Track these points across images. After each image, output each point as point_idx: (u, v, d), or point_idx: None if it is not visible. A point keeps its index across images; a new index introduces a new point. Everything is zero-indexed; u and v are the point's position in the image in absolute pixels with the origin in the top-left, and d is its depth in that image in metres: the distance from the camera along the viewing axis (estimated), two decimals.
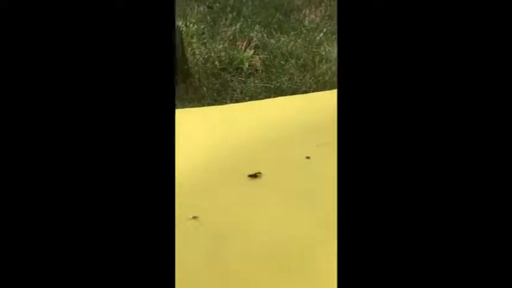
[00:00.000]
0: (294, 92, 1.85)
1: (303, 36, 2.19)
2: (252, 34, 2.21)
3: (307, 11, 2.39)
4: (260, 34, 2.20)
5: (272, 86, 1.90)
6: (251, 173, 1.18)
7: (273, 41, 2.17)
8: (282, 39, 2.18)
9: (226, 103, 1.80)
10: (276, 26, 2.28)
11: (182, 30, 2.10)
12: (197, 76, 1.97)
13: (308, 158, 1.23)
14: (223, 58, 2.06)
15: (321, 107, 1.38)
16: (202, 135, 1.39)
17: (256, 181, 1.16)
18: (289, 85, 1.90)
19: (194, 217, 1.01)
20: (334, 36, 2.16)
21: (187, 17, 2.32)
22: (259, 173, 1.16)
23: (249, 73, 2.01)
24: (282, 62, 2.03)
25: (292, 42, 2.14)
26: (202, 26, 2.26)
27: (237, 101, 1.84)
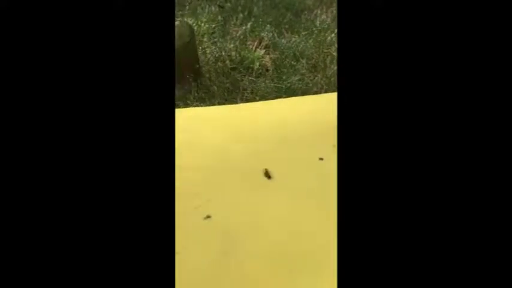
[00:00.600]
0: (304, 92, 1.85)
1: (314, 36, 2.18)
2: (262, 34, 2.20)
3: (319, 11, 2.39)
4: (271, 34, 2.20)
5: (283, 86, 1.90)
6: (263, 173, 1.18)
7: (283, 41, 2.17)
8: (293, 39, 2.17)
9: (236, 102, 1.80)
10: (287, 26, 2.28)
11: (194, 29, 2.10)
12: (208, 75, 1.97)
13: (321, 159, 1.22)
14: (234, 57, 2.06)
15: (334, 107, 1.38)
16: (213, 135, 1.39)
17: (268, 181, 1.16)
18: (300, 85, 1.90)
19: (208, 216, 1.01)
20: None
21: (199, 16, 2.32)
22: (269, 174, 1.16)
23: (260, 73, 2.01)
24: (292, 62, 2.02)
25: (303, 43, 2.14)
26: (213, 25, 2.26)
27: (247, 101, 1.84)
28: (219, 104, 1.80)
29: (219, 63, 2.04)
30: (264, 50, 2.10)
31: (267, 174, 1.15)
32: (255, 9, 2.38)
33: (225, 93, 1.89)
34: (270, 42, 2.15)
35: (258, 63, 2.03)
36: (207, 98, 1.86)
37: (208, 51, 2.10)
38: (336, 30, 2.20)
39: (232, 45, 2.12)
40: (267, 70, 2.02)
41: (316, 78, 1.94)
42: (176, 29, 1.95)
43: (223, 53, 2.08)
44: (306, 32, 2.21)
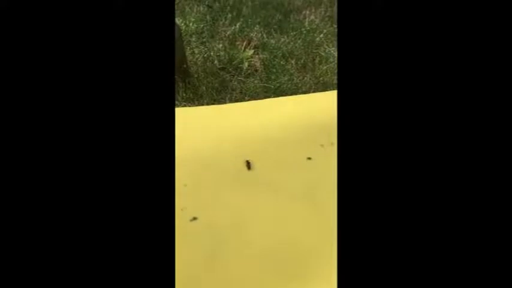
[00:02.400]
0: (293, 93, 1.85)
1: (302, 36, 2.18)
2: (251, 34, 2.20)
3: (307, 12, 2.39)
4: (260, 34, 2.20)
5: (272, 86, 1.90)
6: (250, 174, 1.17)
7: (272, 41, 2.17)
8: (282, 39, 2.17)
9: (225, 103, 1.80)
10: (275, 26, 2.28)
11: (182, 29, 2.09)
12: (196, 75, 1.97)
13: (309, 158, 1.23)
14: (223, 57, 2.06)
15: (324, 107, 1.38)
16: (202, 135, 1.38)
17: (256, 182, 1.15)
18: (289, 85, 1.90)
19: (194, 218, 1.01)
20: (334, 38, 2.16)
21: (187, 16, 2.32)
22: (250, 165, 1.16)
23: (249, 73, 2.01)
24: (281, 63, 2.03)
25: (292, 43, 2.14)
26: (202, 25, 2.26)
27: (236, 101, 1.83)
28: (208, 104, 1.79)
29: (207, 63, 2.03)
30: (253, 50, 2.10)
31: (248, 165, 1.15)
32: (244, 9, 2.38)
33: (214, 94, 1.89)
34: (259, 43, 2.15)
35: (247, 63, 2.02)
36: (196, 98, 1.86)
37: (196, 51, 2.09)
38: (324, 31, 2.20)
39: (221, 45, 2.12)
40: (256, 70, 2.02)
41: (305, 78, 1.94)
42: None
43: (211, 53, 2.07)
44: (294, 33, 2.21)
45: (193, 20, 2.27)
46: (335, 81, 1.90)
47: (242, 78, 1.96)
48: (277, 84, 1.90)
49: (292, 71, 1.98)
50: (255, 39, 2.17)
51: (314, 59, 2.04)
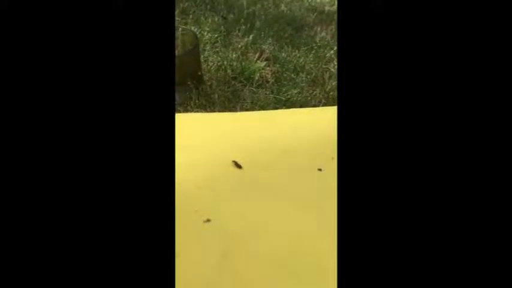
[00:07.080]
0: (303, 105, 1.89)
1: (313, 52, 2.23)
2: (264, 46, 2.25)
3: (319, 29, 2.45)
4: (272, 47, 2.25)
5: (282, 98, 1.94)
6: (262, 181, 1.20)
7: (284, 54, 2.21)
8: (293, 53, 2.22)
9: (236, 111, 1.83)
10: (287, 40, 2.33)
11: (198, 37, 2.14)
12: (209, 83, 2.01)
13: (320, 170, 1.26)
14: (235, 67, 2.10)
15: (335, 120, 1.42)
16: (213, 141, 1.41)
17: (268, 188, 1.18)
18: (299, 98, 1.95)
19: (208, 220, 1.04)
20: None
21: (202, 25, 2.36)
22: (239, 164, 1.18)
23: (260, 84, 2.05)
24: (292, 76, 2.07)
25: (303, 57, 2.19)
26: (216, 35, 2.30)
27: (247, 110, 1.87)
28: (219, 111, 1.83)
29: (220, 72, 2.08)
30: (264, 62, 2.14)
31: (237, 165, 1.18)
32: (257, 22, 2.43)
33: (225, 102, 1.93)
34: (270, 55, 2.20)
35: (258, 74, 2.07)
36: (208, 105, 1.90)
37: (210, 60, 2.14)
38: (335, 48, 2.25)
39: (234, 56, 2.16)
40: (267, 82, 2.06)
41: (315, 92, 1.98)
42: (180, 37, 1.98)
43: (224, 62, 2.12)
44: (306, 48, 2.26)
45: (207, 29, 2.32)
46: None
47: (253, 89, 2.01)
48: (288, 96, 1.95)
49: (302, 85, 2.02)
50: (267, 51, 2.22)
51: (324, 74, 2.09)
